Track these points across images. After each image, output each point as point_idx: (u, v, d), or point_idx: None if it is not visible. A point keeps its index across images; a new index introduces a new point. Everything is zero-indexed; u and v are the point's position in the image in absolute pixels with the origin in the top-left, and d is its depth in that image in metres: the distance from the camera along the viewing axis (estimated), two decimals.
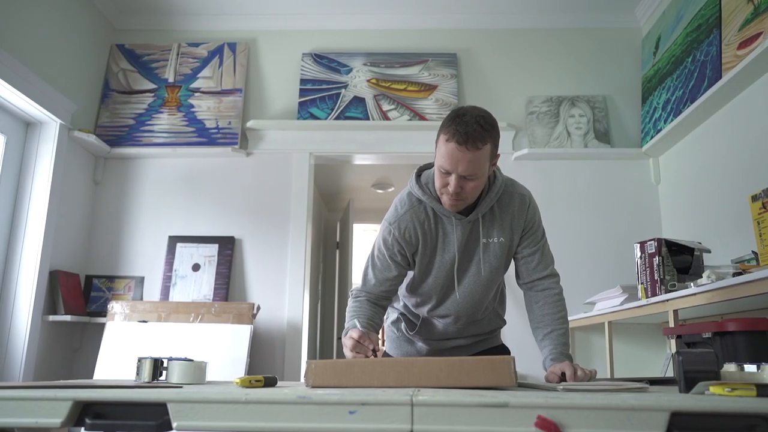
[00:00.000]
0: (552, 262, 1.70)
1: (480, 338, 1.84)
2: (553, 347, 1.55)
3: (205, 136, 3.44)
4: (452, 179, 1.47)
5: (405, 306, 1.82)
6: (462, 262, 1.65)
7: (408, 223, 1.62)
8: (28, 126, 3.03)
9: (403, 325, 1.84)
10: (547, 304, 1.63)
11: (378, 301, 1.69)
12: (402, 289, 1.77)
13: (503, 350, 1.91)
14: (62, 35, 3.13)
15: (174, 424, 0.87)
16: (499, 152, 1.55)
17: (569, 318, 3.08)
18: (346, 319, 1.65)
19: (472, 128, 1.42)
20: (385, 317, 1.84)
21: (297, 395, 0.86)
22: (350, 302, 1.70)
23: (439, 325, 1.77)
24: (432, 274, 1.66)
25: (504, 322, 1.89)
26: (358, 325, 1.56)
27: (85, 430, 0.90)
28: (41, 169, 2.98)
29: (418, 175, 1.66)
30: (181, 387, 1.07)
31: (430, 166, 1.67)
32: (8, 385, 1.06)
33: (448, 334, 1.78)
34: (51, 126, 3.03)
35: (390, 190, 5.70)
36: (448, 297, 1.69)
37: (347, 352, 1.47)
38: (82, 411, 0.91)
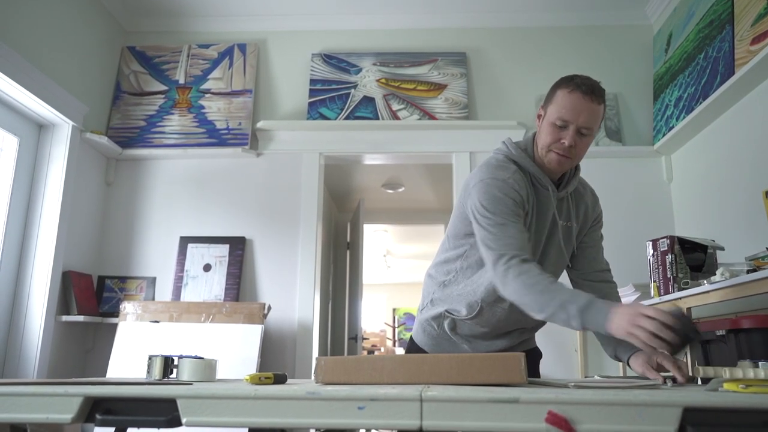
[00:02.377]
0: (608, 264, 1.73)
1: (524, 337, 1.71)
2: None
3: (215, 136, 3.46)
4: (569, 131, 1.48)
5: (455, 299, 1.63)
6: (555, 234, 1.59)
7: (519, 180, 1.53)
8: (40, 128, 3.06)
9: (447, 322, 1.64)
10: (614, 297, 1.64)
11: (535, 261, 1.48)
12: (458, 275, 1.63)
13: (536, 352, 1.81)
14: (74, 38, 3.15)
15: (183, 420, 0.87)
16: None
17: None
18: (539, 295, 1.34)
19: (594, 83, 1.50)
20: (420, 308, 1.74)
21: (306, 391, 0.86)
22: (518, 275, 1.38)
23: (497, 312, 1.57)
24: (536, 244, 1.57)
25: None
26: (587, 300, 1.30)
27: (96, 425, 0.90)
28: (54, 171, 3.01)
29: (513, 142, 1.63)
30: (191, 384, 1.07)
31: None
32: (20, 381, 1.06)
33: (498, 326, 1.61)
34: (63, 128, 3.06)
35: (400, 190, 5.69)
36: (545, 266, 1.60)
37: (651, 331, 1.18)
38: (93, 407, 0.91)
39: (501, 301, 1.54)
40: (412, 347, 1.77)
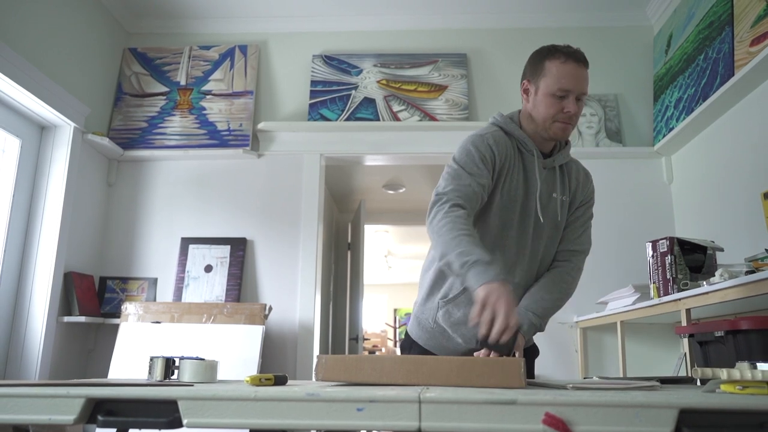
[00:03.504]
0: (588, 246, 1.70)
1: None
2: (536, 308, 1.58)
3: (216, 138, 3.47)
4: (570, 100, 1.52)
5: (446, 280, 1.64)
6: (542, 201, 1.59)
7: (501, 141, 1.57)
8: (42, 129, 3.07)
9: (441, 313, 1.64)
10: (558, 274, 1.64)
11: (471, 215, 1.48)
12: (436, 258, 1.60)
13: (533, 350, 1.79)
14: (76, 40, 3.16)
15: (184, 421, 0.88)
16: None
17: (581, 317, 3.08)
18: (445, 238, 1.37)
19: (576, 49, 1.55)
20: (416, 302, 1.73)
21: (306, 392, 0.87)
22: (445, 214, 1.41)
23: None
24: (511, 207, 1.57)
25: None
26: (493, 266, 1.31)
27: (98, 427, 0.91)
28: (56, 172, 3.02)
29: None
30: (192, 385, 1.08)
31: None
32: (22, 383, 1.07)
33: None
34: (65, 129, 3.07)
35: (401, 190, 5.70)
36: (513, 241, 1.57)
37: (496, 310, 1.22)
38: (95, 408, 0.92)
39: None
40: (406, 341, 1.77)
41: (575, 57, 1.53)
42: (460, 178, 1.49)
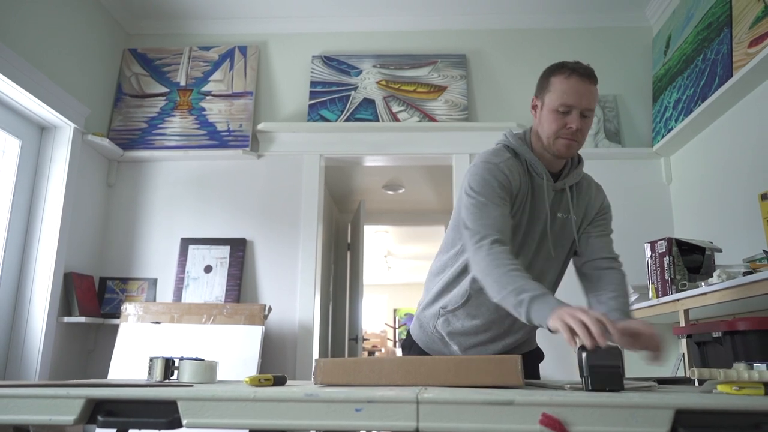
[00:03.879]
0: (615, 253, 1.64)
1: (519, 339, 1.67)
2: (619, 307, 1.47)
3: (216, 138, 3.47)
4: (574, 116, 1.49)
5: (448, 290, 1.65)
6: (552, 225, 1.58)
7: (513, 167, 1.55)
8: (42, 130, 3.07)
9: (441, 321, 1.66)
10: (615, 281, 1.54)
11: (511, 247, 1.47)
12: (446, 267, 1.65)
13: (536, 355, 1.79)
14: (76, 40, 3.17)
15: (184, 422, 0.88)
16: None
17: None
18: (499, 282, 1.35)
19: (586, 65, 1.52)
20: (420, 303, 1.75)
21: (304, 393, 0.88)
22: (488, 253, 1.40)
23: (486, 299, 1.53)
24: (520, 232, 1.55)
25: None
26: (548, 296, 1.28)
27: (98, 427, 0.92)
28: (55, 173, 3.02)
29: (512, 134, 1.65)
30: (191, 386, 1.09)
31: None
32: (23, 383, 1.08)
33: (491, 319, 1.60)
34: (65, 130, 3.08)
35: (401, 191, 5.71)
36: (541, 257, 1.57)
37: (585, 331, 1.13)
38: (95, 409, 0.93)
39: None
40: (407, 340, 1.81)
41: (579, 72, 1.50)
42: (489, 210, 1.47)
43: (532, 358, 1.77)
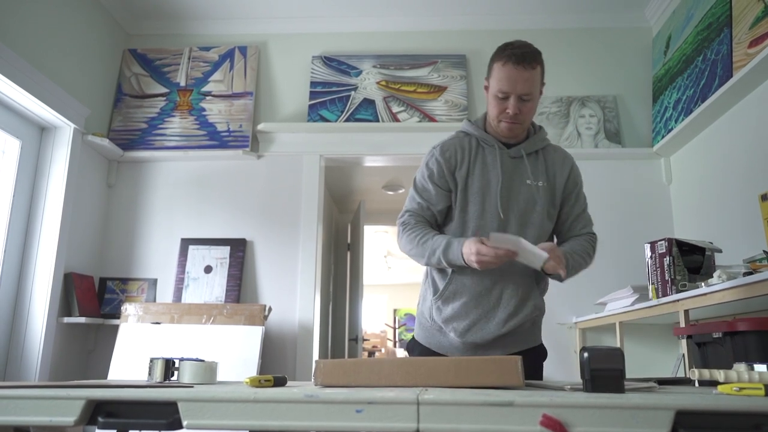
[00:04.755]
0: (591, 224, 1.80)
1: (516, 313, 1.66)
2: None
3: (216, 139, 3.47)
4: (511, 101, 1.60)
5: (436, 279, 1.73)
6: (507, 190, 1.66)
7: (451, 146, 1.72)
8: (42, 131, 3.07)
9: (434, 309, 1.71)
10: (580, 240, 1.73)
11: (433, 225, 1.72)
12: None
13: (540, 352, 1.76)
14: (76, 41, 3.17)
15: (184, 423, 0.88)
16: (544, 81, 1.69)
17: (580, 318, 3.08)
18: (415, 243, 1.65)
19: (525, 50, 1.59)
20: (418, 307, 1.82)
21: (305, 394, 0.87)
22: (406, 230, 1.69)
23: (467, 272, 1.63)
24: (474, 200, 1.67)
25: (543, 307, 1.75)
26: (445, 242, 1.59)
27: (98, 428, 0.92)
28: (56, 173, 3.02)
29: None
30: (192, 387, 1.09)
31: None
32: (24, 384, 1.08)
33: (477, 292, 1.64)
34: (65, 130, 3.08)
35: (400, 191, 5.70)
36: (490, 225, 1.66)
37: (487, 258, 1.48)
38: (95, 410, 0.93)
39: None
40: (410, 342, 1.85)
41: (515, 59, 1.57)
42: (412, 200, 1.74)
43: (536, 356, 1.75)
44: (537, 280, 1.71)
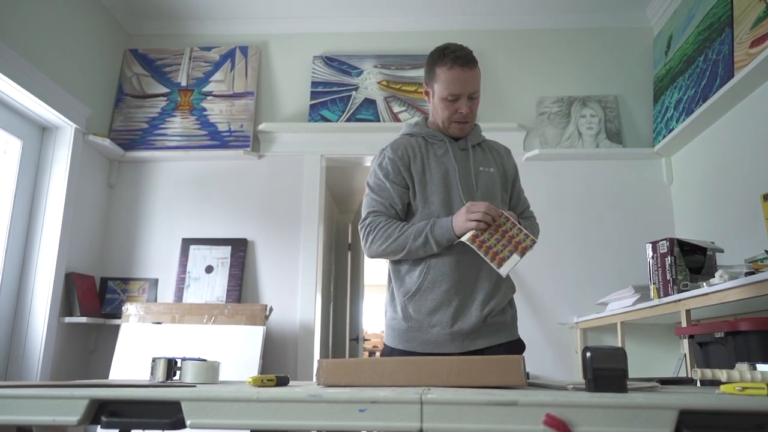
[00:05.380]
0: (529, 206, 1.93)
1: (494, 294, 1.69)
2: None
3: (217, 139, 3.47)
4: (463, 101, 1.67)
5: (405, 277, 1.72)
6: (464, 178, 1.72)
7: (400, 145, 1.76)
8: (44, 131, 3.07)
9: (411, 308, 1.70)
10: (530, 222, 1.88)
11: (395, 218, 1.74)
12: (397, 265, 1.76)
13: (520, 345, 1.78)
14: (77, 41, 3.17)
15: (188, 422, 0.88)
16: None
17: (581, 318, 3.08)
18: (394, 236, 1.65)
19: (465, 51, 1.67)
20: (387, 319, 1.78)
21: (308, 393, 0.87)
22: (375, 228, 1.68)
23: (445, 258, 1.66)
24: (436, 190, 1.71)
25: (514, 286, 1.80)
26: (430, 222, 1.65)
27: (101, 427, 0.92)
28: (57, 173, 3.02)
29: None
30: (194, 386, 1.09)
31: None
32: (26, 384, 1.08)
33: (456, 279, 1.66)
34: (66, 130, 3.08)
35: None
36: (454, 207, 1.69)
37: (473, 222, 1.55)
38: (98, 409, 0.93)
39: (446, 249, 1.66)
40: (384, 350, 1.78)
41: (460, 62, 1.64)
42: (373, 202, 1.73)
43: (517, 349, 1.75)
44: None
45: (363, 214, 1.75)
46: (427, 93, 1.78)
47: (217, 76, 3.62)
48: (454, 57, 1.65)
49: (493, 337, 1.70)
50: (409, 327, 1.70)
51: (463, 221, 1.56)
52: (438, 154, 1.74)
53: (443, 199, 1.70)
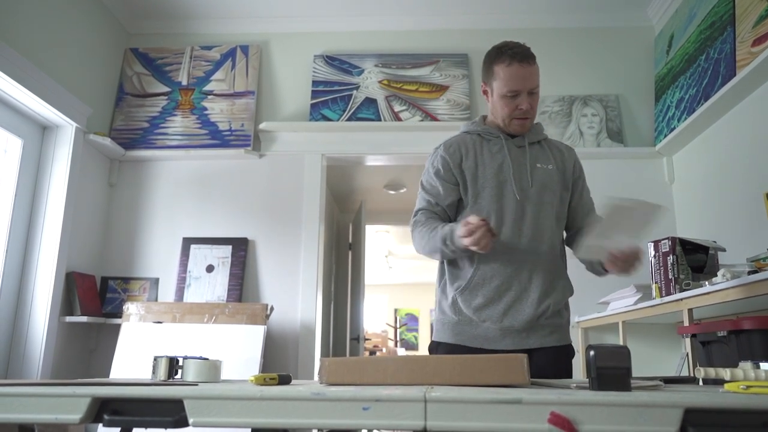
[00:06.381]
0: (593, 209, 1.86)
1: (551, 291, 1.68)
2: None
3: (218, 138, 3.47)
4: (523, 97, 1.66)
5: (457, 270, 1.72)
6: (518, 173, 1.71)
7: (453, 142, 1.78)
8: (44, 130, 3.07)
9: (461, 302, 1.68)
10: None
11: (441, 217, 1.75)
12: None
13: (570, 351, 1.74)
14: (78, 40, 3.17)
15: (191, 420, 0.88)
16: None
17: (582, 318, 3.08)
18: (427, 238, 1.67)
19: (523, 48, 1.67)
20: (437, 310, 1.77)
21: (311, 392, 0.87)
22: (417, 227, 1.73)
23: (496, 266, 1.65)
24: (489, 185, 1.70)
25: (572, 288, 1.78)
26: (450, 227, 1.62)
27: (104, 426, 0.91)
28: (57, 172, 3.02)
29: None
30: (196, 385, 1.08)
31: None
32: (28, 382, 1.08)
33: (506, 273, 1.65)
34: (67, 129, 3.07)
35: (402, 191, 5.70)
36: (507, 207, 1.69)
37: (469, 239, 1.50)
38: (100, 408, 0.92)
39: (499, 247, 1.67)
40: (431, 345, 1.77)
41: (519, 57, 1.64)
42: (421, 200, 1.77)
43: (567, 355, 1.73)
44: (564, 261, 1.78)
45: (413, 211, 1.80)
46: (485, 92, 1.78)
47: (218, 75, 3.62)
48: (512, 53, 1.65)
49: (546, 338, 1.68)
50: (460, 320, 1.69)
51: (461, 233, 1.55)
52: (493, 151, 1.74)
53: (495, 194, 1.70)
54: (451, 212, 1.76)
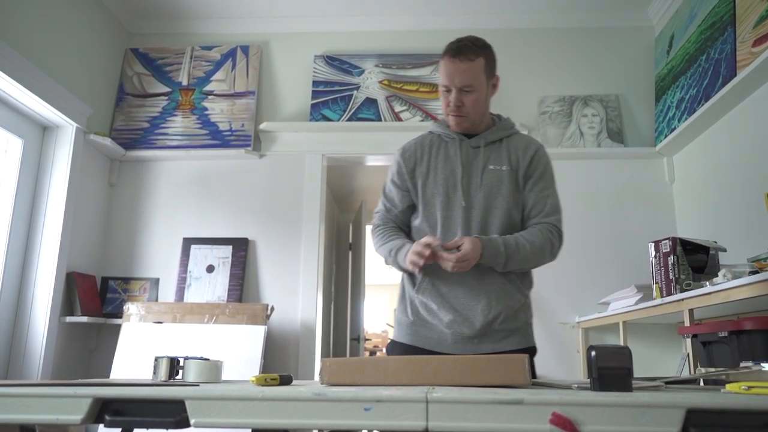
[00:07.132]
0: (555, 213, 1.70)
1: (501, 307, 1.63)
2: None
3: (218, 138, 3.47)
4: (453, 94, 1.64)
5: (412, 279, 1.72)
6: (467, 178, 1.69)
7: (410, 146, 1.80)
8: (44, 130, 3.07)
9: (417, 302, 1.69)
10: (533, 229, 1.66)
11: (398, 225, 1.80)
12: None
13: (531, 353, 1.70)
14: (78, 40, 3.17)
15: (192, 421, 0.88)
16: (497, 74, 1.74)
17: (583, 318, 3.07)
18: (379, 244, 1.76)
19: (464, 43, 1.63)
20: (396, 312, 1.79)
21: (312, 392, 0.87)
22: (374, 231, 1.81)
23: (446, 274, 1.62)
24: (438, 192, 1.70)
25: (524, 295, 1.71)
26: (398, 244, 1.68)
27: (105, 426, 0.91)
28: (58, 172, 3.02)
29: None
30: (197, 385, 1.08)
31: None
32: (29, 383, 1.07)
33: (457, 288, 1.64)
34: (67, 130, 3.07)
35: None
36: (455, 215, 1.67)
37: (416, 261, 1.55)
38: (102, 408, 0.92)
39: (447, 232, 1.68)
40: (388, 345, 1.78)
41: (452, 52, 1.62)
42: (380, 203, 1.82)
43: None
44: (517, 273, 1.70)
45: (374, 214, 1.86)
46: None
47: (218, 75, 3.62)
48: (449, 47, 1.64)
49: (500, 343, 1.64)
50: (414, 322, 1.70)
51: (403, 259, 1.63)
52: (449, 154, 1.73)
53: (443, 201, 1.68)
54: (405, 217, 1.79)
